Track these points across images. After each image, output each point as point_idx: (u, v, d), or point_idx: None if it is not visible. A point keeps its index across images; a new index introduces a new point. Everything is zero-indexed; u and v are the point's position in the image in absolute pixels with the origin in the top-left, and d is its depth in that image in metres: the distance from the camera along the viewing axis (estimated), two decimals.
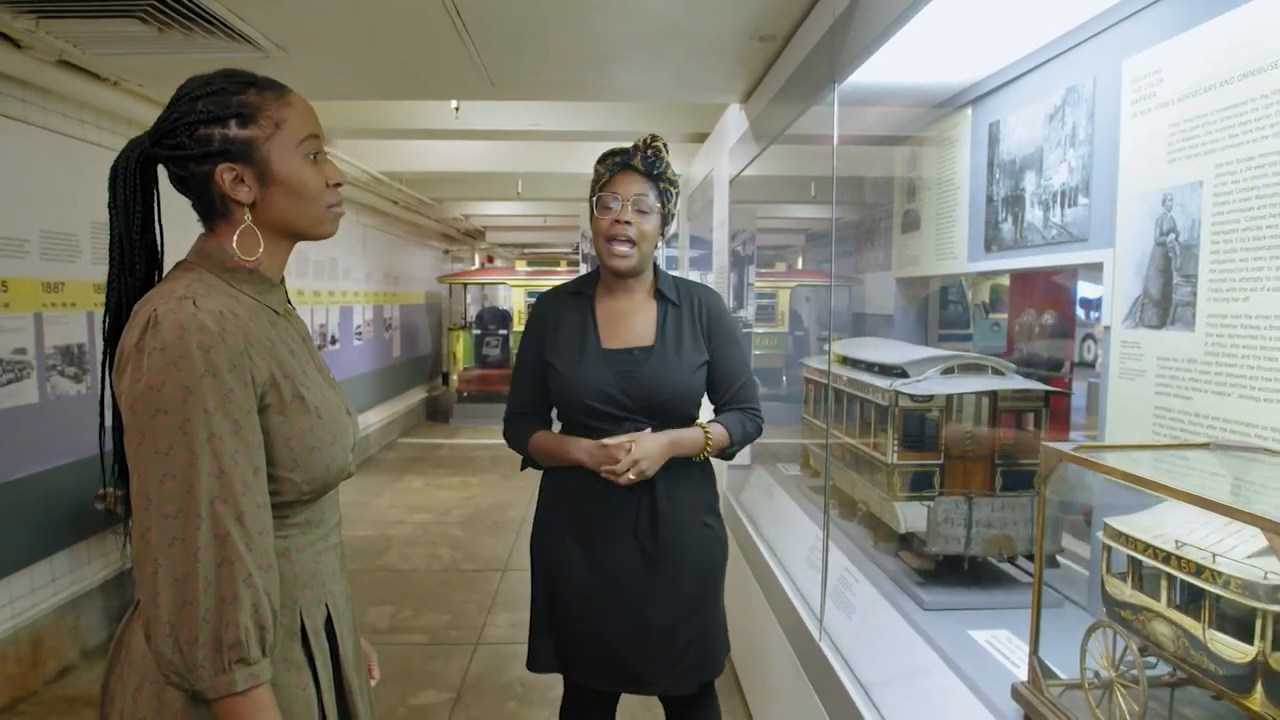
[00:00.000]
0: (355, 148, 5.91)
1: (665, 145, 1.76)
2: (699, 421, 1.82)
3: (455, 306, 11.26)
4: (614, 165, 1.74)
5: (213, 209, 1.08)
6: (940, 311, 2.71)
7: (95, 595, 3.36)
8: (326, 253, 6.43)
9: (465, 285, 11.02)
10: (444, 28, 2.51)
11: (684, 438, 1.76)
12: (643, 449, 1.68)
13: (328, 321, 6.51)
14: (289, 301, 1.19)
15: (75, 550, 3.27)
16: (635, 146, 1.75)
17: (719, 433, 1.80)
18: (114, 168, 1.07)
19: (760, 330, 8.13)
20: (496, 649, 3.43)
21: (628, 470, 1.67)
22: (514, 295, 10.30)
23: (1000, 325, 2.77)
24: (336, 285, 6.73)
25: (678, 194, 1.79)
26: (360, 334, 7.39)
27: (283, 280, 1.17)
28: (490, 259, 13.16)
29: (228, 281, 1.07)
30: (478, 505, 5.80)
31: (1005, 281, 2.73)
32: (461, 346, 10.31)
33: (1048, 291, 2.43)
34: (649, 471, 1.69)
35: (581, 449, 1.73)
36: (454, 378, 9.93)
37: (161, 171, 1.10)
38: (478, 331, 10.21)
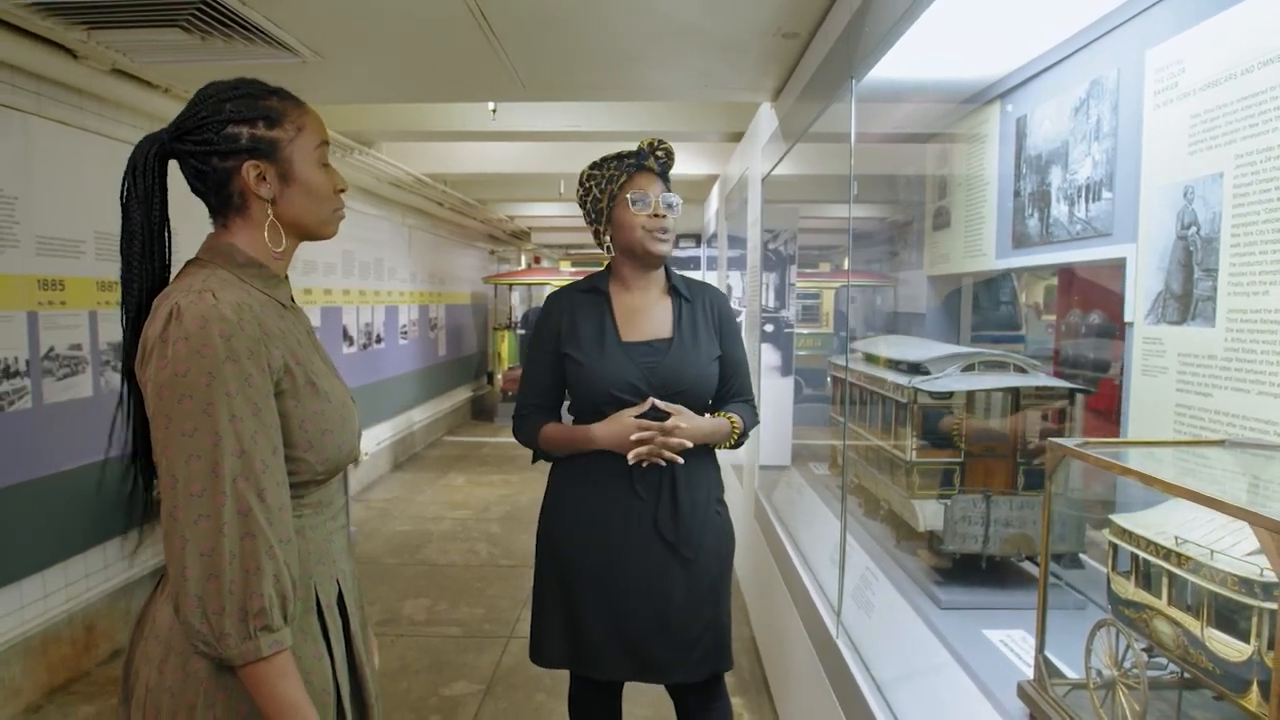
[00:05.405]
0: (399, 150, 6.01)
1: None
2: (722, 413, 1.86)
3: (500, 307, 11.40)
4: (629, 167, 1.84)
5: (229, 204, 1.14)
6: (992, 312, 2.67)
7: (145, 581, 3.50)
8: (372, 253, 6.55)
9: (510, 285, 11.15)
10: (470, 30, 2.55)
11: (718, 426, 1.81)
12: (692, 425, 1.73)
13: (373, 321, 6.62)
14: (292, 298, 1.25)
15: (128, 537, 3.40)
16: (642, 149, 1.84)
17: (740, 422, 1.86)
18: (132, 161, 1.13)
19: (804, 331, 8.05)
20: (528, 642, 3.46)
21: (661, 443, 1.70)
22: None
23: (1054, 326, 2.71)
24: (382, 285, 6.84)
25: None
26: (406, 333, 7.51)
27: (287, 277, 1.23)
28: (537, 260, 13.30)
29: (239, 277, 1.13)
30: (516, 502, 5.87)
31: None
32: (506, 346, 10.43)
33: (1094, 289, 2.36)
34: (687, 444, 1.73)
35: (603, 431, 1.76)
36: (499, 377, 10.05)
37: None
38: (522, 331, 10.31)
